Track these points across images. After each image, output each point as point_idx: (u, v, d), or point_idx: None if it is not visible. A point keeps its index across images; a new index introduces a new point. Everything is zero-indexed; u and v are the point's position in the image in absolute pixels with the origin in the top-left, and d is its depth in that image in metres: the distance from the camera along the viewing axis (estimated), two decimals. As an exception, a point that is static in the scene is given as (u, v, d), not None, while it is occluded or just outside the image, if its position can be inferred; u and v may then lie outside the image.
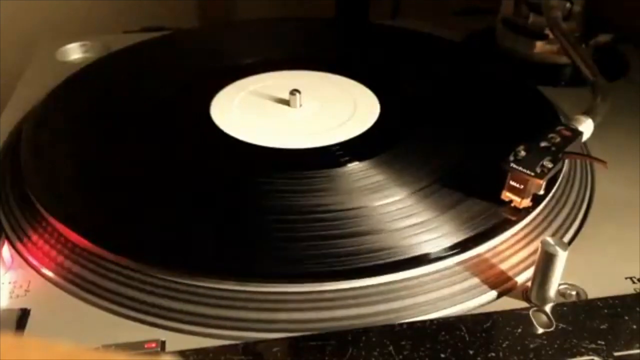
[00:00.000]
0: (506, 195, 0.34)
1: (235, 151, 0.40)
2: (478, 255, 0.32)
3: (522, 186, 0.33)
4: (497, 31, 0.57)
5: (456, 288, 0.31)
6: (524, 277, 0.32)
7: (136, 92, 0.47)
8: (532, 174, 0.33)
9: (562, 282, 0.31)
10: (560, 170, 0.36)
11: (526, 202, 0.34)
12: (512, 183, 0.34)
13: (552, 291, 0.30)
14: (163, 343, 0.28)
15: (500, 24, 0.56)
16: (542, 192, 0.34)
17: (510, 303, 0.31)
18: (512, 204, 0.34)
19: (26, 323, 0.30)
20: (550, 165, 0.34)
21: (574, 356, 0.27)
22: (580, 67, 0.45)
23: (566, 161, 0.38)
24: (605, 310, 0.29)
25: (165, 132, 0.42)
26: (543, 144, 0.35)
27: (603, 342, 0.27)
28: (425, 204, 0.35)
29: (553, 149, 0.35)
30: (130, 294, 0.31)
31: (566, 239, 0.35)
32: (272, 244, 0.32)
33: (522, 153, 0.34)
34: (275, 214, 0.34)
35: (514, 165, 0.33)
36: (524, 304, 0.30)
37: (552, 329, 0.28)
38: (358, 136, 0.41)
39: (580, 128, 0.37)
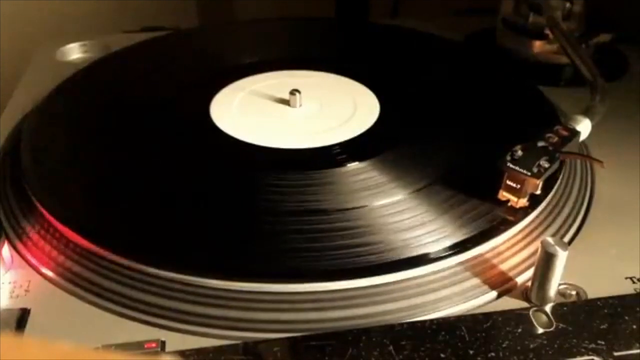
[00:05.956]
0: (503, 195, 0.34)
1: (235, 151, 0.40)
2: (478, 256, 0.32)
3: (518, 186, 0.33)
4: (497, 31, 0.57)
5: (456, 288, 0.31)
6: (524, 277, 0.32)
7: (136, 92, 0.47)
8: (529, 173, 0.33)
9: (562, 282, 0.31)
10: (559, 170, 0.36)
11: (523, 202, 0.34)
12: (509, 183, 0.34)
13: (552, 291, 0.30)
14: (163, 343, 0.28)
15: (500, 24, 0.56)
16: (539, 191, 0.34)
17: (510, 303, 0.31)
18: (509, 204, 0.34)
19: (26, 323, 0.30)
20: (547, 165, 0.34)
21: (574, 356, 0.27)
22: (580, 67, 0.45)
23: (567, 161, 0.38)
24: (605, 310, 0.29)
25: (165, 132, 0.42)
26: (540, 144, 0.35)
27: (603, 342, 0.27)
28: (425, 204, 0.35)
29: (550, 148, 0.35)
30: (130, 294, 0.31)
31: (566, 239, 0.35)
32: (272, 243, 0.32)
33: (519, 153, 0.34)
34: (274, 214, 0.34)
35: (511, 165, 0.33)
36: (524, 304, 0.30)
37: (552, 329, 0.28)
38: (358, 136, 0.41)
39: (578, 128, 0.37)
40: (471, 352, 0.27)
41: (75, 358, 0.16)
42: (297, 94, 0.44)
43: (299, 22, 0.61)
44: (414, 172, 0.37)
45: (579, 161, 0.40)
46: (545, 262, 0.29)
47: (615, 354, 0.27)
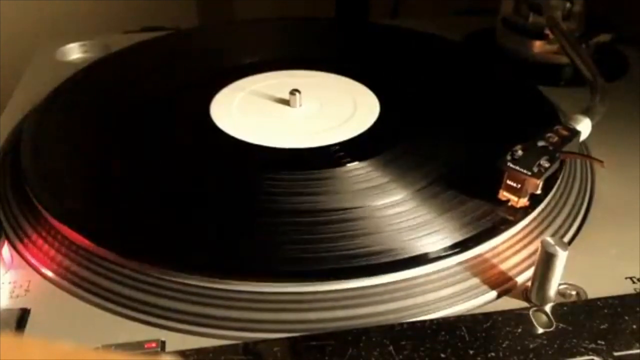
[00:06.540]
0: (503, 194, 0.34)
1: (235, 151, 0.40)
2: (478, 255, 0.32)
3: (519, 185, 0.33)
4: (497, 31, 0.57)
5: (456, 288, 0.31)
6: (524, 277, 0.32)
7: (136, 92, 0.47)
8: (529, 173, 0.33)
9: (562, 282, 0.31)
10: (559, 170, 0.36)
11: (523, 202, 0.34)
12: (509, 182, 0.34)
13: (552, 291, 0.30)
14: (163, 343, 0.28)
15: (500, 24, 0.56)
16: (539, 191, 0.34)
17: (510, 303, 0.31)
18: (509, 204, 0.34)
19: (26, 323, 0.30)
20: (547, 164, 0.34)
21: (574, 356, 0.27)
22: (580, 67, 0.45)
23: (567, 161, 0.38)
24: (605, 310, 0.29)
25: (165, 132, 0.42)
26: (540, 144, 0.35)
27: (603, 342, 0.27)
28: (425, 204, 0.35)
29: (550, 148, 0.35)
30: (130, 294, 0.31)
31: (566, 239, 0.35)
32: (271, 243, 0.32)
33: (519, 152, 0.34)
34: (274, 214, 0.34)
35: (511, 165, 0.33)
36: (524, 304, 0.30)
37: (552, 329, 0.28)
38: (358, 136, 0.41)
39: (578, 127, 0.37)
40: (471, 352, 0.27)
41: (75, 358, 0.16)
42: (297, 94, 0.44)
43: (299, 22, 0.61)
44: (413, 172, 0.37)
45: (579, 161, 0.40)
46: (545, 262, 0.29)
47: (615, 354, 0.27)
